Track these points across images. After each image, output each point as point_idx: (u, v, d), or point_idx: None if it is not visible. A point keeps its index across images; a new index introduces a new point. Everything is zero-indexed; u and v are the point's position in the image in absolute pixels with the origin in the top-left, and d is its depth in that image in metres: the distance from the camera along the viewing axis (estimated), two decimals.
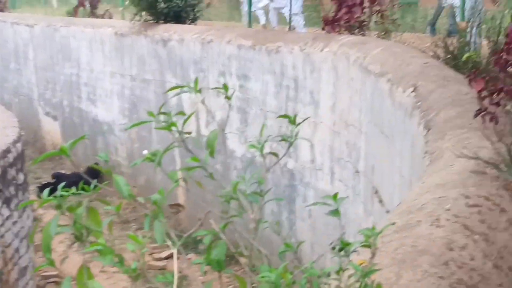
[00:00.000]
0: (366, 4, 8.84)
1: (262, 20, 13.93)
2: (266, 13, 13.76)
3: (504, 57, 3.88)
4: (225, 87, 1.77)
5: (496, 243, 2.52)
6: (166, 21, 11.72)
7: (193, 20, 12.11)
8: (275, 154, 1.82)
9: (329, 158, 7.85)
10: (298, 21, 12.68)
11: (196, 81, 1.77)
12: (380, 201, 6.14)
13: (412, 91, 5.49)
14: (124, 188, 1.49)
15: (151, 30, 11.58)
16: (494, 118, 3.79)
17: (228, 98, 1.78)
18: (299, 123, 1.77)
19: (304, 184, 8.37)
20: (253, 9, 13.78)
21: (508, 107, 4.01)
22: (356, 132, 7.18)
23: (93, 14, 14.94)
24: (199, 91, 1.76)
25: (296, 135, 1.75)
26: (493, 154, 3.33)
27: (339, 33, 8.68)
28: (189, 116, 1.77)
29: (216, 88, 1.85)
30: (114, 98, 12.86)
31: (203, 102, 1.90)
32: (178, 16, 11.76)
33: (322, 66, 8.15)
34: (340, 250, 1.53)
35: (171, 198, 9.76)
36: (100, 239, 1.35)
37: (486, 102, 3.89)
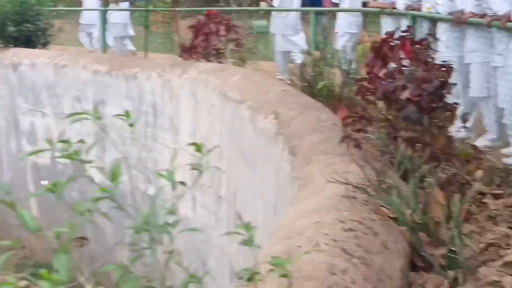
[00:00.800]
0: (222, 32, 8.98)
1: (87, 45, 14.27)
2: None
3: (365, 85, 4.11)
4: (128, 114, 1.76)
5: (374, 266, 2.65)
6: (16, 45, 11.31)
7: (44, 45, 11.78)
8: (183, 184, 1.84)
9: (190, 184, 7.85)
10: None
11: (95, 108, 1.74)
12: None
13: (273, 118, 5.63)
14: (30, 221, 1.44)
15: None
16: (357, 144, 3.99)
17: (131, 125, 1.77)
18: (209, 151, 1.79)
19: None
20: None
21: (369, 134, 4.23)
22: (217, 158, 7.25)
23: None
24: (99, 118, 1.75)
25: (207, 163, 1.77)
26: (361, 179, 3.49)
27: (196, 60, 8.76)
28: (92, 145, 1.74)
29: (118, 115, 1.84)
30: None
31: (103, 130, 1.87)
32: (28, 40, 11.39)
33: (181, 92, 8.19)
34: (249, 279, 1.56)
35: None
36: (10, 277, 1.30)
37: (349, 128, 4.08)
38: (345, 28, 9.63)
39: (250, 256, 5.10)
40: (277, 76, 9.06)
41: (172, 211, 1.62)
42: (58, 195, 1.59)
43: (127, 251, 1.64)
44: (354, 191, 3.35)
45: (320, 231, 2.83)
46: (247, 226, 1.56)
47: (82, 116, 1.75)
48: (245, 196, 6.35)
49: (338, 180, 3.41)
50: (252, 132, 6.10)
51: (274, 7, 10.61)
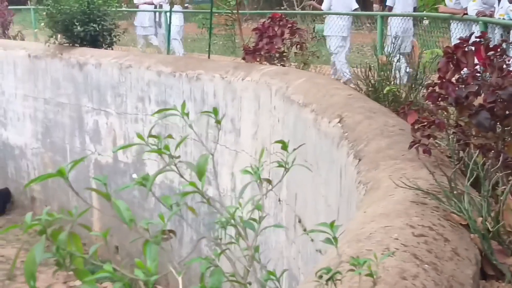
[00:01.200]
0: (286, 35, 8.98)
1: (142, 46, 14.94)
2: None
3: (436, 91, 4.03)
4: (215, 111, 1.77)
5: (445, 272, 2.59)
6: (82, 44, 11.54)
7: (110, 45, 11.99)
8: (269, 181, 1.84)
9: (250, 187, 7.87)
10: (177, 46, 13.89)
11: (183, 105, 1.75)
12: (304, 230, 6.20)
13: (338, 122, 5.59)
14: (125, 213, 1.45)
15: (66, 53, 11.37)
16: (427, 150, 3.92)
17: (218, 122, 1.78)
18: (294, 149, 1.79)
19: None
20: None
21: (438, 140, 4.16)
22: (278, 160, 7.23)
23: (4, 35, 14.57)
24: (187, 114, 1.76)
25: (293, 161, 1.76)
26: (430, 185, 3.43)
27: (260, 63, 8.78)
28: (182, 141, 1.75)
29: (206, 112, 1.84)
30: (26, 121, 12.50)
31: (191, 126, 1.88)
32: (94, 40, 11.60)
33: (243, 95, 8.21)
34: (329, 279, 1.54)
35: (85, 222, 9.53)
36: (107, 266, 1.31)
37: (418, 134, 4.02)
38: (398, 32, 9.62)
39: (310, 260, 5.04)
40: (340, 80, 9.04)
41: (259, 207, 1.62)
42: (148, 188, 1.61)
43: (210, 245, 1.65)
44: (424, 197, 3.29)
45: (390, 236, 2.79)
46: (332, 224, 1.54)
47: (169, 112, 1.77)
48: (306, 199, 6.32)
49: (407, 185, 3.35)
50: (315, 136, 6.07)
51: (322, 10, 10.88)
